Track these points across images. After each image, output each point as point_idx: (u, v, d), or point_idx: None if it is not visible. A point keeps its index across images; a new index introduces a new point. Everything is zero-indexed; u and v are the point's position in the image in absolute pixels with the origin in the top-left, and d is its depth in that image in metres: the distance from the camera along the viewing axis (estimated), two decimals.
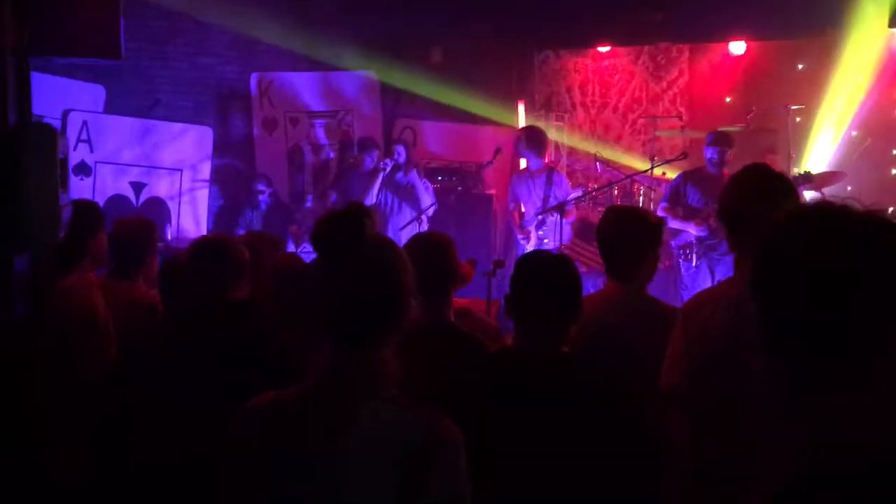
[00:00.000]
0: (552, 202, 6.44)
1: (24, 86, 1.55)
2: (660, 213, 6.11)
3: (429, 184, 7.20)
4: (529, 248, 6.46)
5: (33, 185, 1.63)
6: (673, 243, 6.25)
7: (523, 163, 7.76)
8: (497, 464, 1.96)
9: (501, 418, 2.08)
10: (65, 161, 1.77)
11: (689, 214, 6.02)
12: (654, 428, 2.18)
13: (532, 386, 2.13)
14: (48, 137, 1.70)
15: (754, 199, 2.45)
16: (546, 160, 6.87)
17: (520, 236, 6.75)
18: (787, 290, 1.16)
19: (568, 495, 2.01)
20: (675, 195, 6.13)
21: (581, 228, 7.07)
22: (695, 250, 5.99)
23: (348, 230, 1.65)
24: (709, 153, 6.08)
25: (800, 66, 7.90)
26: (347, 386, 1.65)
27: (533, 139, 6.69)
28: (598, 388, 2.15)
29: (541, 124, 7.72)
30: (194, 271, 2.70)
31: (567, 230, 6.63)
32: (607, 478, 2.02)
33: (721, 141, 6.06)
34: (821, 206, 1.19)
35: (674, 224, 6.08)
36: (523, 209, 6.90)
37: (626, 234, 2.98)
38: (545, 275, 2.23)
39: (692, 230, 5.96)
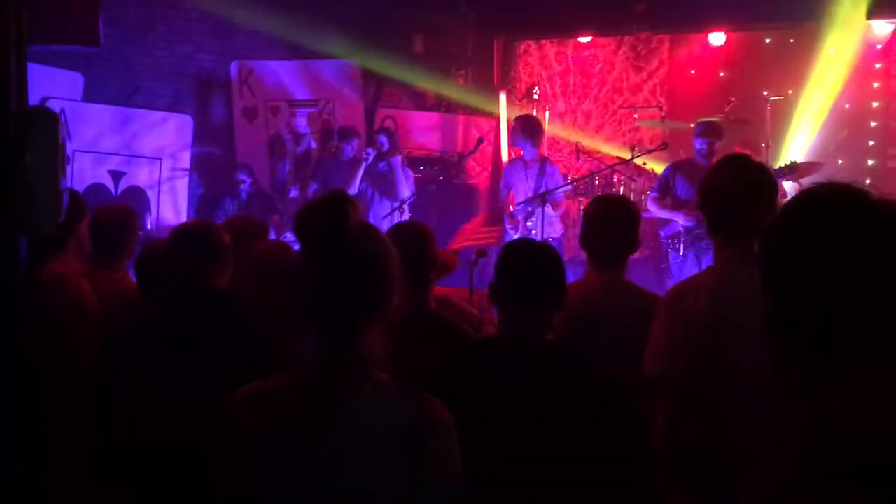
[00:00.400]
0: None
1: (22, 72, 1.55)
2: (650, 204, 6.15)
3: (410, 173, 7.16)
4: (516, 237, 6.46)
5: (39, 169, 1.63)
6: (662, 233, 6.28)
7: (505, 153, 7.77)
8: (482, 453, 1.97)
9: (487, 407, 2.08)
10: (63, 146, 1.77)
11: (677, 205, 6.04)
12: (639, 415, 2.20)
13: (518, 374, 2.13)
14: (51, 122, 1.70)
15: (733, 187, 2.46)
16: (540, 150, 6.84)
17: (508, 225, 6.74)
18: (789, 290, 1.15)
19: (553, 483, 2.02)
20: (665, 186, 6.14)
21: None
22: (683, 240, 6.01)
23: (331, 219, 1.65)
24: (698, 144, 6.08)
25: (779, 58, 7.96)
26: (338, 374, 1.65)
27: (529, 128, 6.66)
28: (582, 376, 2.16)
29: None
30: (174, 258, 2.66)
31: (557, 223, 6.63)
32: (592, 465, 2.03)
33: (710, 132, 6.06)
34: (817, 200, 1.17)
35: (663, 214, 6.11)
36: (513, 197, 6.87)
37: (614, 223, 3.00)
38: (530, 262, 2.24)
39: (681, 220, 5.98)
